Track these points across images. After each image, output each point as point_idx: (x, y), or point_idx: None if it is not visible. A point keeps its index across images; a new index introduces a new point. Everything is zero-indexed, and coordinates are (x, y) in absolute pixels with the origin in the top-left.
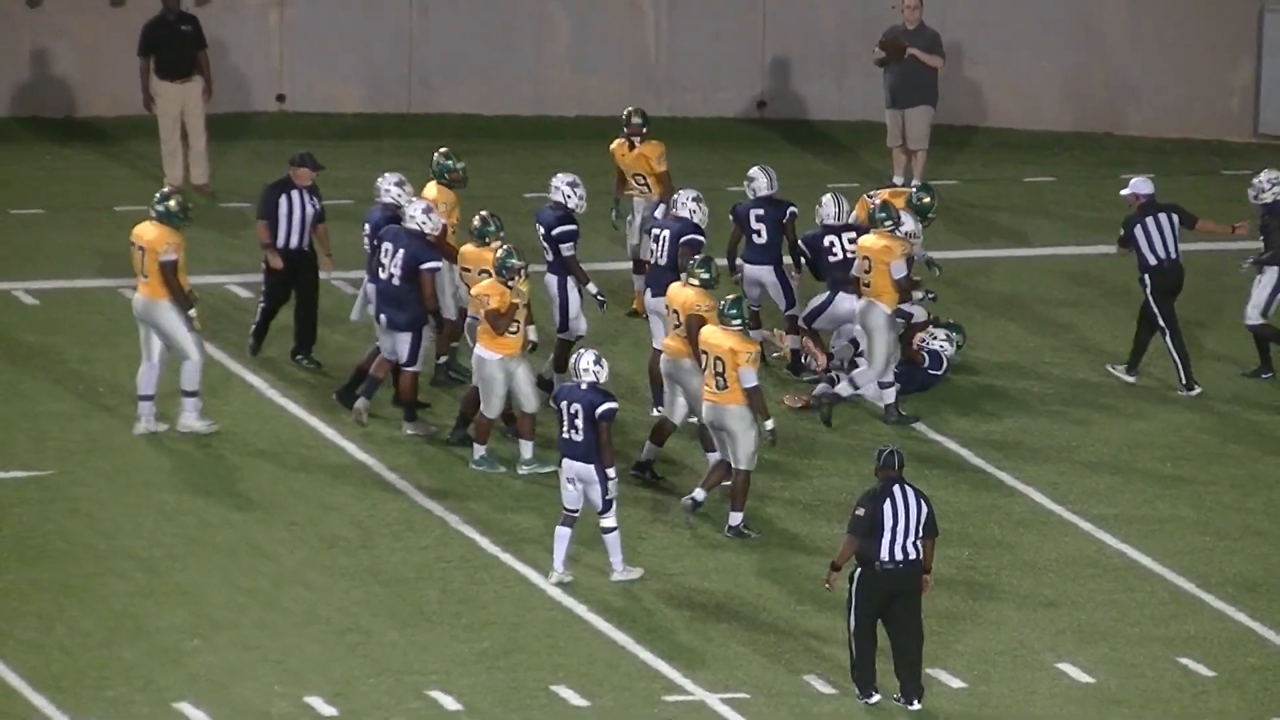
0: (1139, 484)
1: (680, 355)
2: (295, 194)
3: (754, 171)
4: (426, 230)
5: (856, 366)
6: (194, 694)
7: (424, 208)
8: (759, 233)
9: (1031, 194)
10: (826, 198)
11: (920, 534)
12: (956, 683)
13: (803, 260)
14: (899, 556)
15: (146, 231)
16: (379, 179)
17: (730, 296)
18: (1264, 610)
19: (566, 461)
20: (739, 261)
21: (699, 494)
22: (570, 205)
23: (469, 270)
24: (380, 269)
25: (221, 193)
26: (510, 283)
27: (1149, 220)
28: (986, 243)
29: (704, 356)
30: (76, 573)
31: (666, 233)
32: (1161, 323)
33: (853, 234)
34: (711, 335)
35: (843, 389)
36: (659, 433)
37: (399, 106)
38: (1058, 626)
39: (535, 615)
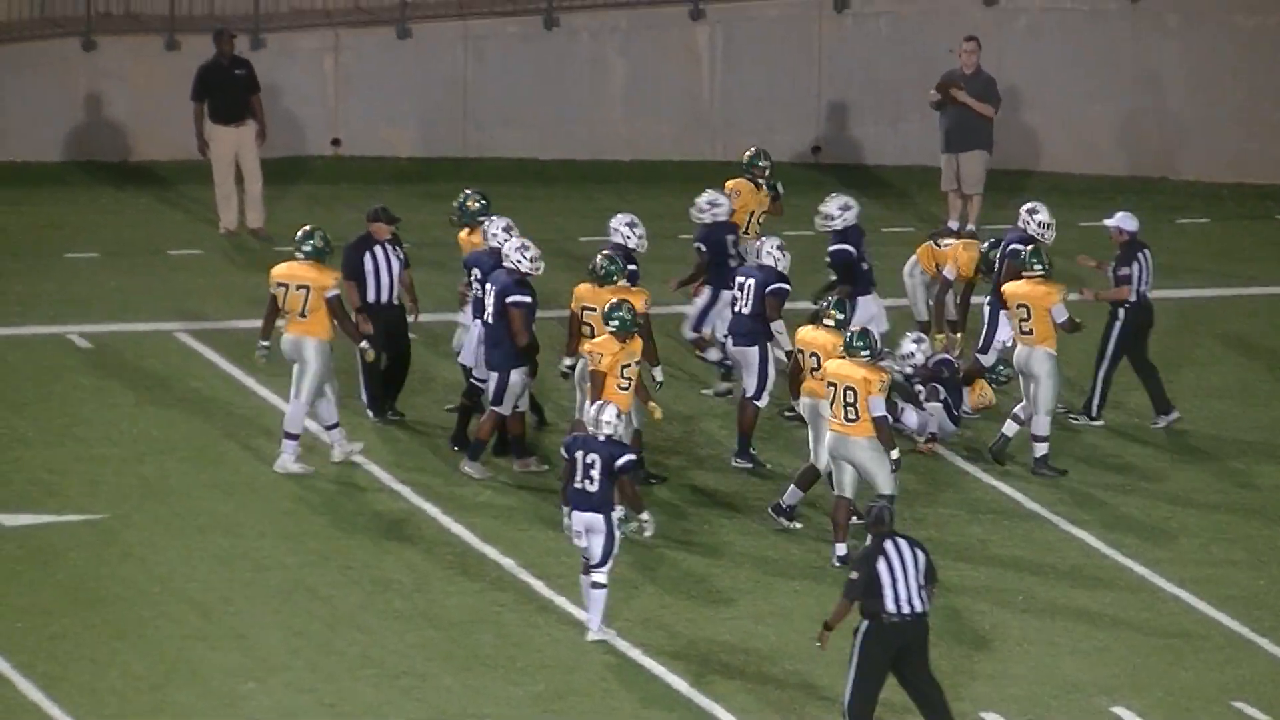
0: (1193, 528)
1: (822, 396)
2: (379, 249)
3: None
4: (523, 269)
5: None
6: None
7: (518, 245)
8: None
9: (1086, 238)
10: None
11: (924, 583)
12: None
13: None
14: (905, 610)
15: (304, 271)
16: (487, 222)
17: (857, 328)
18: None
19: (576, 513)
20: None
21: (840, 549)
22: (630, 246)
23: (592, 310)
24: (484, 310)
25: (276, 237)
26: (625, 340)
27: (1139, 256)
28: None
29: (831, 389)
30: (130, 616)
31: (751, 281)
32: (1111, 352)
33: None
34: (841, 367)
35: (1008, 429)
36: (805, 477)
37: (453, 150)
38: (1111, 670)
39: (589, 659)
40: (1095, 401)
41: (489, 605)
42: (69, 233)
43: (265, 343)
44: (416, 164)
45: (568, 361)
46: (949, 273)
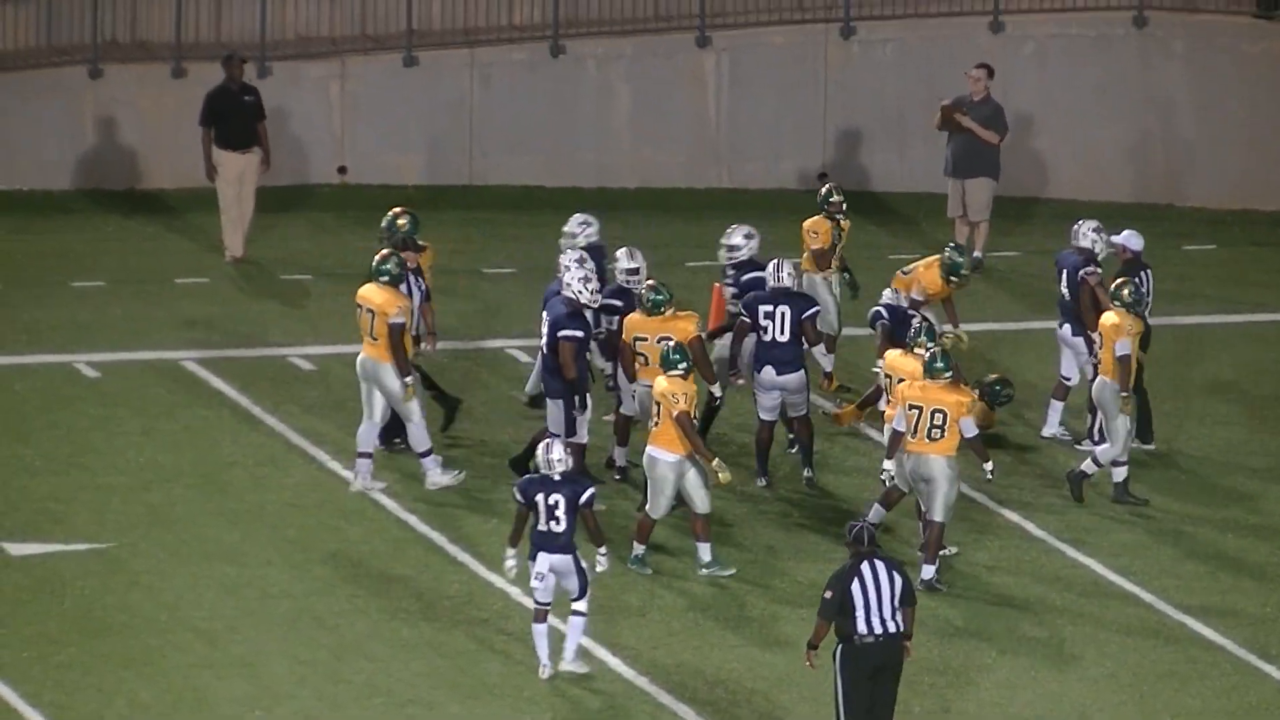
0: (1200, 554)
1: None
2: (408, 279)
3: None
4: (583, 299)
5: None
6: None
7: (581, 276)
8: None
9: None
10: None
11: (898, 605)
12: None
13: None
14: (878, 630)
15: (374, 295)
16: (561, 257)
17: (934, 349)
18: None
19: (543, 555)
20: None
21: (928, 572)
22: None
23: (644, 339)
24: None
25: (284, 264)
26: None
27: (1141, 276)
28: (1048, 313)
29: (915, 412)
30: (137, 645)
31: (785, 309)
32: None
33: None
34: (927, 390)
35: (1088, 466)
36: (889, 497)
37: (460, 178)
38: (1119, 697)
39: (598, 687)
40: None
41: (496, 634)
42: (76, 261)
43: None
44: (423, 191)
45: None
46: (917, 295)
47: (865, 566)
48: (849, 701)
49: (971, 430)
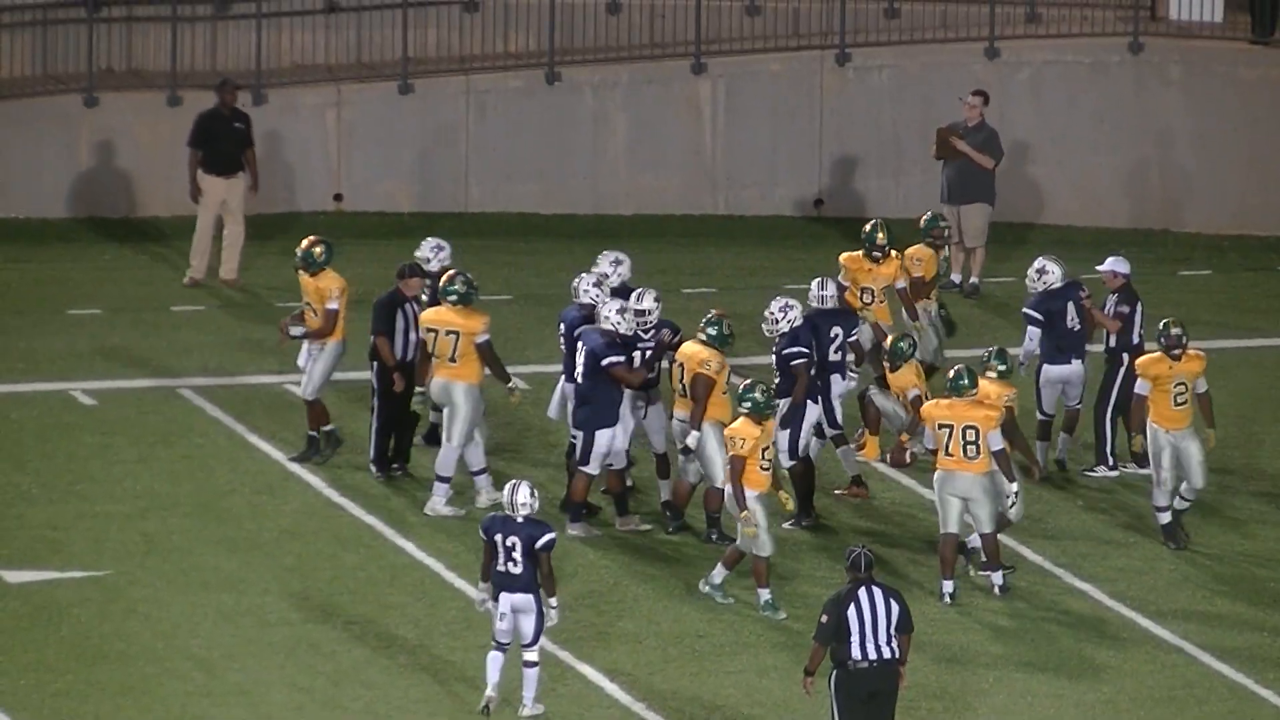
0: (1196, 580)
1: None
2: (409, 306)
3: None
4: (621, 329)
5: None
6: None
7: (618, 308)
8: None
9: (1089, 290)
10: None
11: (895, 631)
12: None
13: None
14: (872, 655)
15: (454, 317)
16: (576, 280)
17: (957, 367)
18: None
19: (504, 595)
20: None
21: (948, 586)
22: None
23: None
24: (575, 367)
25: (279, 291)
26: (762, 422)
27: (1138, 303)
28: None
29: (946, 430)
30: (135, 673)
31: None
32: (1114, 398)
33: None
34: (954, 407)
35: (1178, 504)
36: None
37: (455, 205)
38: None
39: (594, 714)
40: (1108, 449)
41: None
42: (72, 289)
43: (420, 389)
44: (418, 219)
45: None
46: (905, 280)
47: (862, 592)
48: None
49: (999, 444)
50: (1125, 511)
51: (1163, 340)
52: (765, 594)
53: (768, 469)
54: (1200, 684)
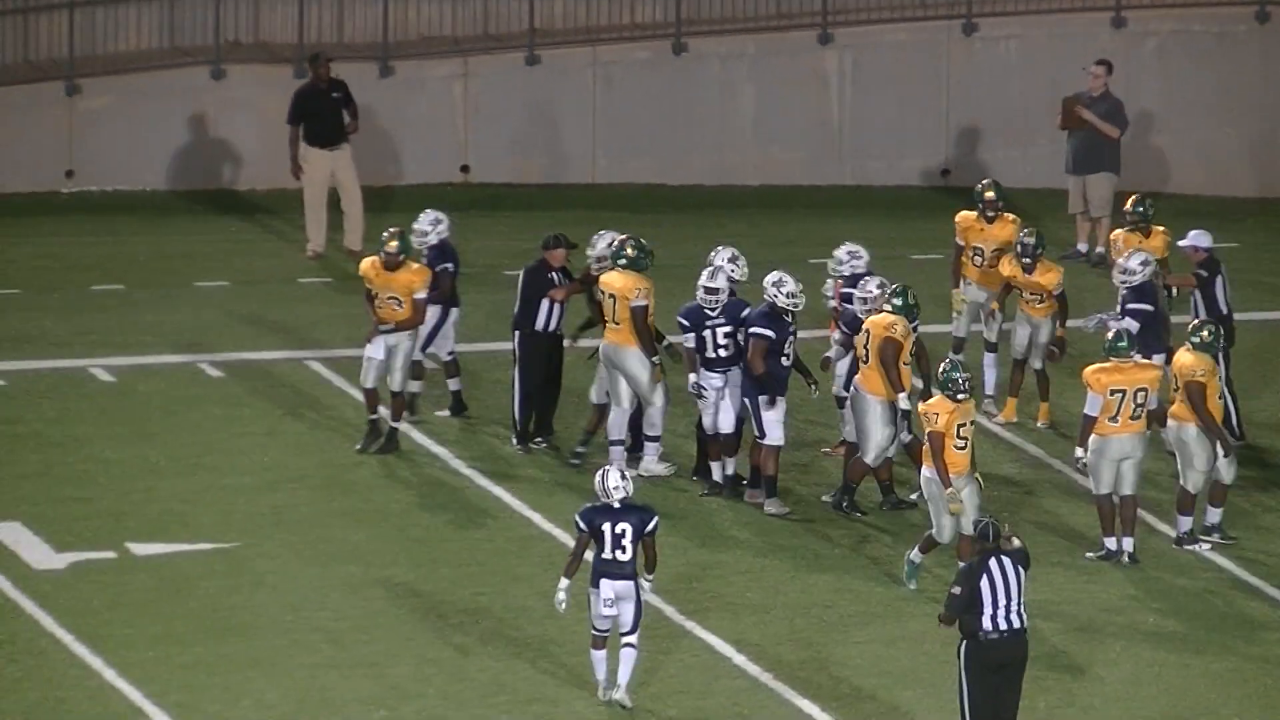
0: None
1: (1188, 420)
2: (554, 276)
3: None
4: (779, 303)
5: None
6: None
7: (775, 280)
8: None
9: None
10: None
11: (1023, 599)
12: None
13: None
14: (1003, 626)
15: (615, 279)
16: (714, 253)
17: (1115, 329)
18: None
19: (606, 582)
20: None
21: (1127, 543)
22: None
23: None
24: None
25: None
26: (960, 396)
27: (1220, 274)
28: (1172, 310)
29: (1119, 395)
30: (263, 645)
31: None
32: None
33: None
34: (1125, 371)
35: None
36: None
37: (582, 177)
38: (1244, 690)
39: (721, 685)
40: (1233, 422)
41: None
42: (199, 262)
43: (568, 340)
44: (546, 191)
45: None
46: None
47: (993, 563)
48: (973, 698)
49: (1155, 403)
50: (1254, 484)
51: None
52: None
53: (963, 448)
54: None
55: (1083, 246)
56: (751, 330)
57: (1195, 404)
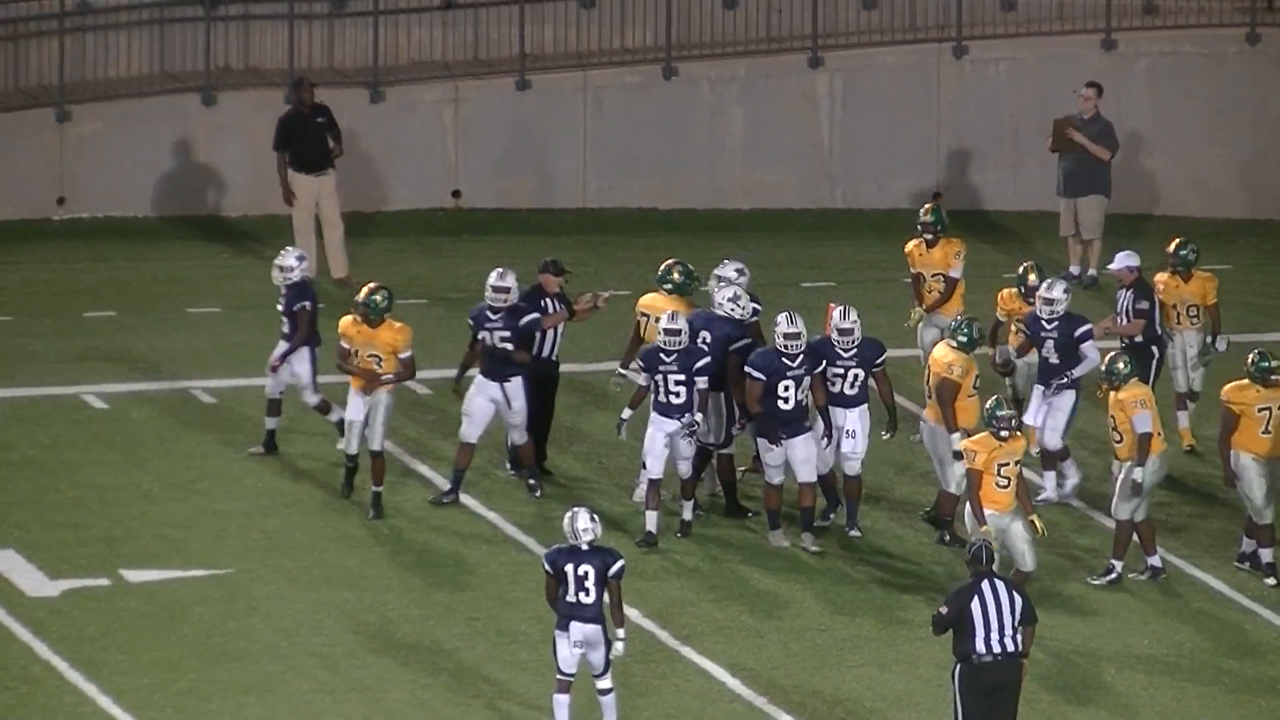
0: None
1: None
2: (548, 303)
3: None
4: (735, 315)
5: None
6: None
7: (731, 295)
8: None
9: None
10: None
11: (1018, 624)
12: None
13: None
14: (996, 649)
15: (657, 302)
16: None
17: (1259, 350)
18: None
19: (576, 625)
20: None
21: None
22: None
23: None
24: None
25: (397, 289)
26: (1003, 433)
27: (1153, 294)
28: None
29: (1265, 412)
30: (257, 671)
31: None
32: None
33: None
34: (1272, 392)
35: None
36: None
37: (573, 201)
38: (1238, 714)
39: (716, 709)
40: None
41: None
42: (191, 287)
43: (623, 372)
44: (537, 215)
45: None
46: (955, 272)
47: (985, 585)
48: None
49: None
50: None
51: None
52: None
53: (1005, 486)
54: None
55: (1074, 269)
56: (745, 369)
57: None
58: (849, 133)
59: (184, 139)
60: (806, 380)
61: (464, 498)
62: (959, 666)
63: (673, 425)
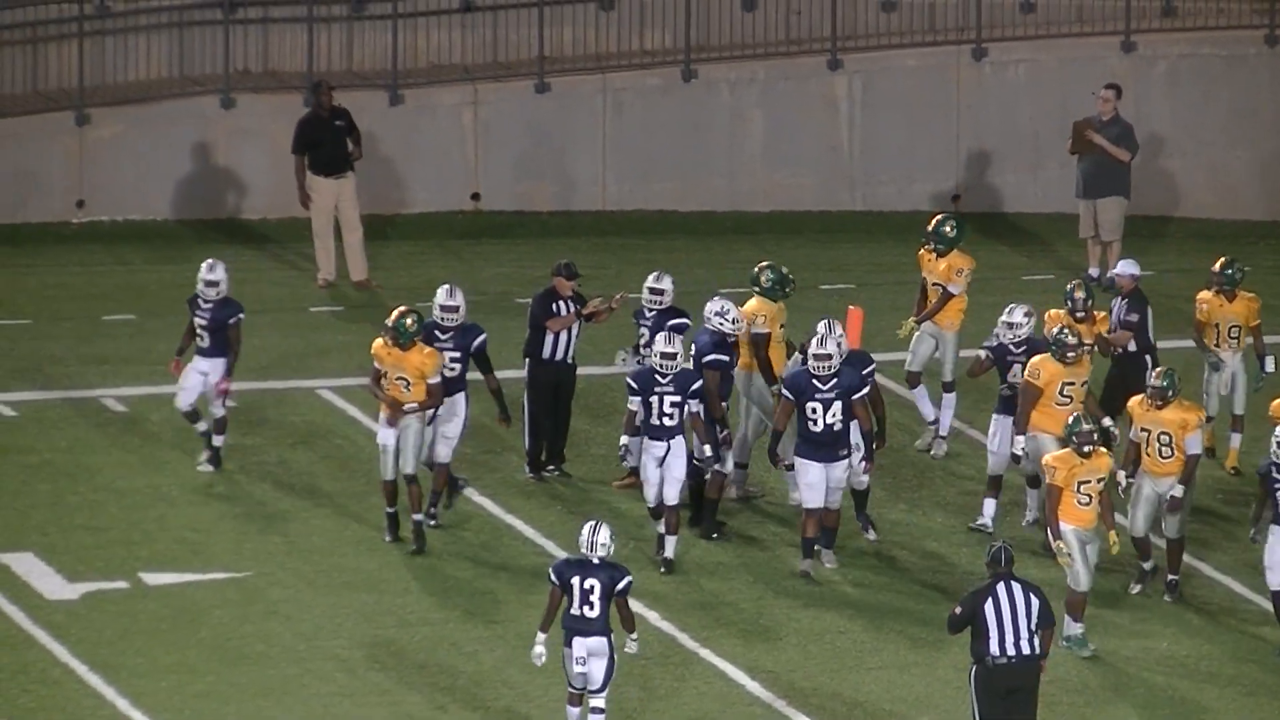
0: None
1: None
2: (561, 305)
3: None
4: (724, 329)
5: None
6: None
7: (719, 309)
8: None
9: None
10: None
11: (1035, 626)
12: None
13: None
14: (1011, 652)
15: (751, 308)
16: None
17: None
18: None
19: (578, 640)
20: None
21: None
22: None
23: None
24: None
25: (417, 292)
26: (1085, 449)
27: (1148, 306)
28: (1181, 333)
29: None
30: (276, 674)
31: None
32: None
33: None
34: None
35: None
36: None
37: (593, 204)
38: (1261, 715)
39: (735, 711)
40: None
41: (634, 659)
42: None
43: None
44: (557, 218)
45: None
46: (955, 288)
47: (1001, 587)
48: None
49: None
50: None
51: None
52: (1077, 628)
53: (1086, 504)
54: None
55: (1094, 271)
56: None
57: None
58: (868, 135)
59: (203, 142)
60: (838, 404)
61: (482, 501)
62: (975, 668)
63: (662, 448)
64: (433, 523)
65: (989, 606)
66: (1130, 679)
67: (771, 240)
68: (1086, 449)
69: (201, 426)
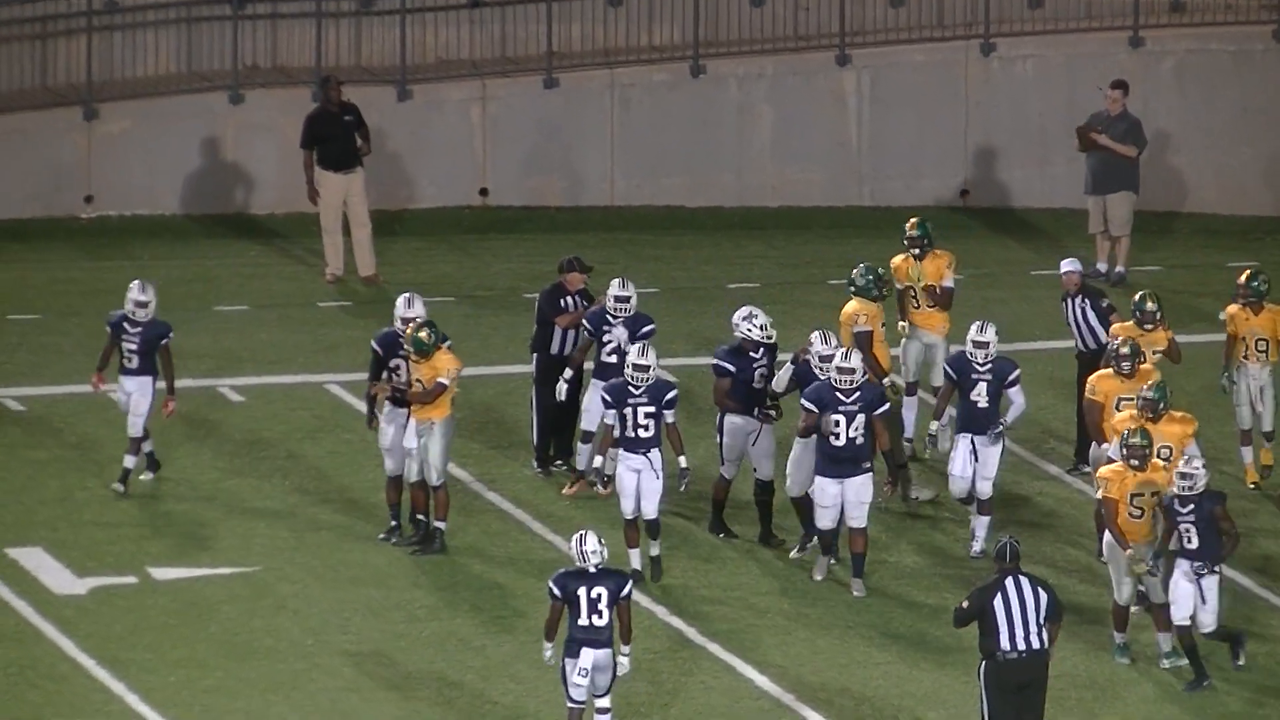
0: None
1: None
2: (569, 300)
3: None
4: (753, 336)
5: None
6: None
7: (745, 314)
8: None
9: (1235, 279)
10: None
11: (1044, 620)
12: None
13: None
14: (1020, 646)
15: (849, 309)
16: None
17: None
18: None
19: (587, 651)
20: None
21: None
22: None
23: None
24: None
25: (425, 287)
26: (1134, 463)
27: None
28: (1190, 328)
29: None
30: (284, 669)
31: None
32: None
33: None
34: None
35: None
36: None
37: (601, 199)
38: (1265, 711)
39: (744, 705)
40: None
41: (642, 653)
42: (218, 286)
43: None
44: (565, 213)
45: None
46: (949, 282)
47: (1009, 582)
48: (995, 718)
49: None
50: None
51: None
52: (1165, 642)
53: (1139, 517)
54: None
55: (1102, 266)
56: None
57: None
58: (877, 130)
59: (211, 137)
60: (860, 418)
61: (491, 496)
62: (984, 664)
63: (639, 461)
64: (394, 540)
65: (998, 602)
66: (1138, 674)
67: (780, 236)
68: (1134, 462)
69: (148, 447)
